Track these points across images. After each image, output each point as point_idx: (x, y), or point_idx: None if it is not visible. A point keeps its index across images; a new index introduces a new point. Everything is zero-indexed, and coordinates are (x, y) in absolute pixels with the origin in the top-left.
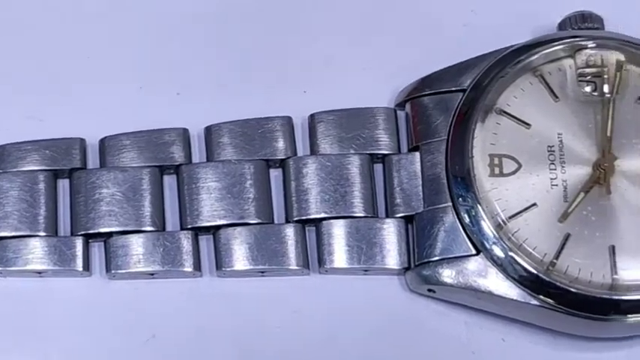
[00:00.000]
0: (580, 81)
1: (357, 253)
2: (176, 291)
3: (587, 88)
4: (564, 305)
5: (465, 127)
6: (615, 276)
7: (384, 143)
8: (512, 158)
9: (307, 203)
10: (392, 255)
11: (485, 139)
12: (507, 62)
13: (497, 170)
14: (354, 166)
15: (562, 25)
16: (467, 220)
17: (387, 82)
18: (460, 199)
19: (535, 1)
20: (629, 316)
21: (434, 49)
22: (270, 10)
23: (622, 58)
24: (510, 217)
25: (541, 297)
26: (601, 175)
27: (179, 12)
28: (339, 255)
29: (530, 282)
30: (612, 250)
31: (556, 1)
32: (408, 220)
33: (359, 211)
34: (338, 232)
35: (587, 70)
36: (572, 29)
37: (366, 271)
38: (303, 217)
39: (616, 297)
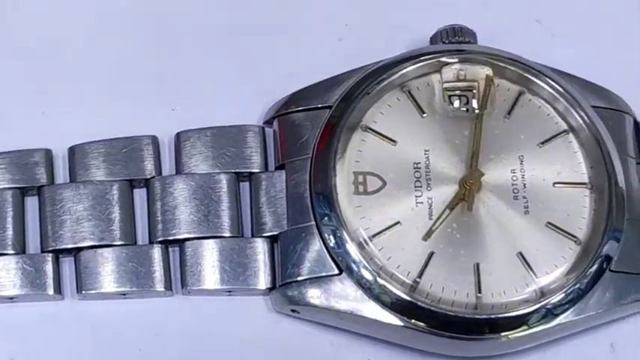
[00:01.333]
0: (449, 96)
1: (221, 274)
2: (36, 314)
3: (456, 104)
4: (428, 326)
5: (329, 144)
6: (479, 295)
7: (250, 161)
8: (377, 176)
9: (171, 223)
10: (256, 275)
11: (350, 156)
12: (375, 78)
13: (361, 188)
14: (220, 185)
15: (433, 40)
16: (330, 239)
17: (260, 99)
18: (323, 218)
19: (410, 14)
20: (503, 334)
21: (308, 65)
22: (137, 26)
23: (491, 72)
24: (374, 236)
25: (404, 318)
26: (466, 192)
27: (47, 31)
28: (203, 276)
29: (392, 303)
30: (477, 268)
31: (431, 15)
32: (273, 239)
33: (224, 230)
34: (202, 253)
35: (457, 84)
36: (443, 43)
37: (230, 291)
38: (168, 238)
39: (480, 316)
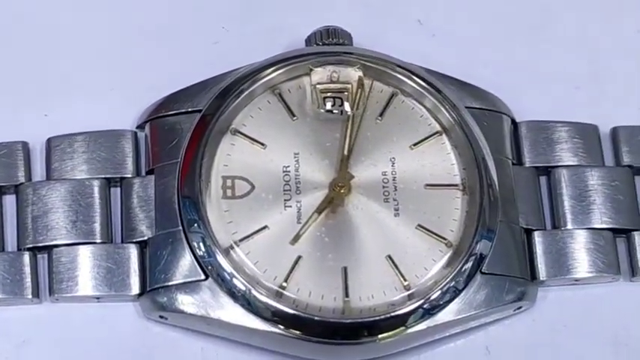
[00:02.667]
0: (323, 98)
1: (91, 280)
2: None
3: (328, 105)
4: (295, 331)
5: (197, 148)
6: (347, 299)
7: (121, 167)
8: (246, 180)
9: (41, 230)
10: (126, 281)
11: (219, 160)
12: (245, 81)
13: (229, 192)
14: (91, 190)
15: (308, 41)
16: (196, 244)
17: (134, 104)
18: (190, 223)
19: (289, 16)
20: (385, 334)
21: (183, 68)
22: (7, 31)
23: (364, 74)
24: (241, 240)
25: (271, 324)
26: (336, 195)
27: None
28: (72, 282)
29: (259, 308)
30: (345, 271)
31: (310, 16)
32: (144, 245)
33: (94, 236)
34: (71, 259)
35: (330, 86)
36: (317, 45)
37: (99, 298)
38: (37, 245)
39: (346, 321)
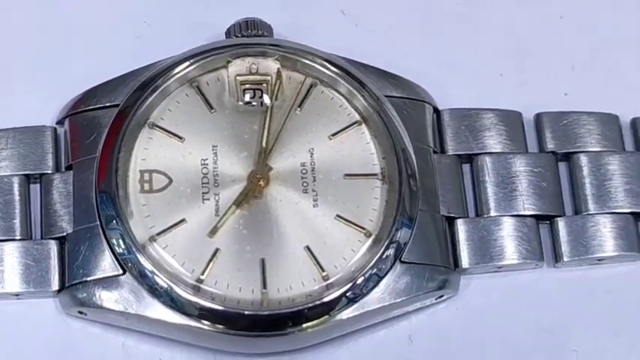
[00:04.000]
0: (242, 90)
1: (10, 277)
2: None
3: (247, 98)
4: (214, 324)
5: (114, 143)
6: (264, 290)
7: (40, 163)
8: (163, 173)
9: None
10: (46, 277)
11: (137, 155)
12: (163, 74)
13: (147, 186)
14: (10, 187)
15: (228, 34)
16: (113, 240)
17: (55, 99)
18: (107, 218)
19: (212, 10)
20: (305, 325)
21: (104, 63)
22: None
23: (283, 65)
24: (158, 234)
25: (190, 317)
26: (254, 187)
27: None
28: None
29: (176, 302)
30: (263, 263)
31: (233, 9)
32: (63, 241)
33: (13, 233)
34: None
35: (249, 78)
36: (237, 37)
37: (18, 295)
38: None
39: (264, 312)
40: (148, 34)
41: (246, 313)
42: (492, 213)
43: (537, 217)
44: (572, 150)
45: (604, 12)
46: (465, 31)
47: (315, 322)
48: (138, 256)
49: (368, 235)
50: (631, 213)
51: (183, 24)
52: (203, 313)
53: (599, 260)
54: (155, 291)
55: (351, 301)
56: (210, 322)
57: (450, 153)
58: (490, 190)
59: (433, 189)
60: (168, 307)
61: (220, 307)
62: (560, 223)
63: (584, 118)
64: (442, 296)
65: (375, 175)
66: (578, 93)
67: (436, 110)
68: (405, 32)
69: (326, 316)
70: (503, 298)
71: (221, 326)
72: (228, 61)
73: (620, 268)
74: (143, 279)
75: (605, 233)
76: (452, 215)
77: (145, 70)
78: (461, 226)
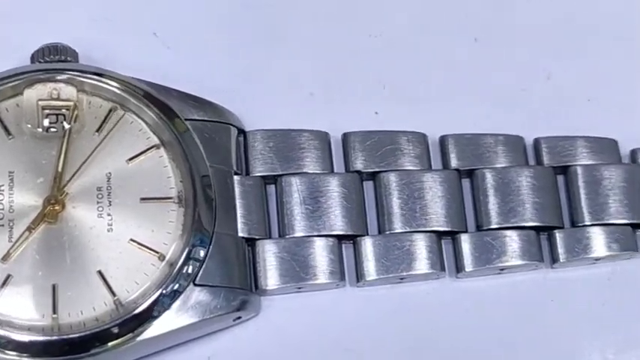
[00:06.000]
0: (44, 116)
1: None
2: None
3: (46, 123)
4: (10, 352)
5: None
6: (54, 315)
7: None
8: None
9: None
10: None
11: None
12: None
13: None
14: None
15: (32, 58)
16: None
17: None
18: None
19: (21, 31)
20: (94, 351)
21: None
22: None
23: (83, 90)
24: None
25: None
26: (48, 212)
27: None
28: None
29: None
30: (54, 288)
31: (44, 31)
32: None
33: None
34: None
35: (50, 103)
36: (40, 62)
37: None
38: None
39: (52, 337)
40: None
41: (38, 339)
42: (297, 233)
43: (341, 237)
44: (377, 169)
45: (412, 29)
46: (275, 51)
47: (105, 346)
48: None
49: (162, 258)
50: (433, 232)
51: None
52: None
53: (401, 279)
54: None
55: (142, 325)
56: (9, 350)
57: (254, 175)
58: (295, 210)
59: (232, 211)
60: None
61: (11, 334)
62: (364, 243)
63: (391, 136)
64: (240, 317)
65: (171, 198)
66: (388, 112)
67: (243, 132)
68: (215, 53)
69: (115, 341)
70: (306, 319)
71: (16, 353)
72: (28, 87)
73: (424, 286)
74: None
75: (415, 251)
76: (253, 237)
77: None
78: (262, 247)
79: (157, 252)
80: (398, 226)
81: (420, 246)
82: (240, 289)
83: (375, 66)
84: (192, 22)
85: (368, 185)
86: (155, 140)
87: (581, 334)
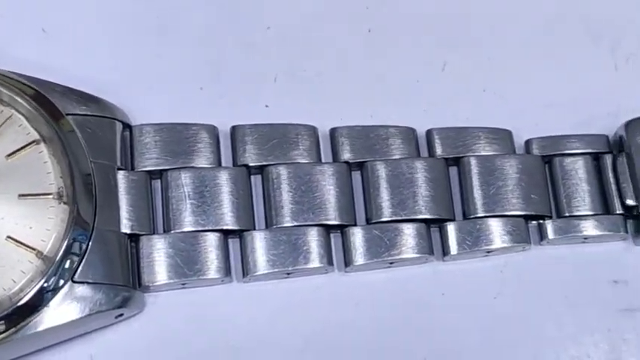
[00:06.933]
0: None
1: None
2: None
3: None
4: None
5: None
6: None
7: None
8: None
9: None
10: None
11: None
12: None
13: None
14: None
15: None
16: None
17: None
18: None
19: None
20: None
21: None
22: None
23: None
24: None
25: None
26: None
27: None
28: None
29: None
30: None
31: None
32: None
33: None
34: None
35: None
36: None
37: None
38: None
39: None
40: None
41: None
42: (182, 229)
43: (227, 232)
44: (265, 163)
45: (305, 21)
46: (165, 46)
47: None
48: None
49: (39, 255)
50: (322, 225)
51: None
52: None
53: (288, 274)
54: None
55: (20, 322)
56: None
57: (139, 170)
58: (181, 205)
59: (115, 207)
60: None
61: None
62: (249, 237)
63: (281, 129)
64: (122, 314)
65: (51, 194)
66: (279, 104)
67: (129, 126)
68: (104, 48)
69: None
70: (191, 315)
71: None
72: None
73: (312, 281)
74: None
75: (304, 246)
76: (136, 232)
77: None
78: (146, 243)
79: (34, 249)
80: (286, 220)
81: (309, 240)
82: (122, 285)
83: (267, 59)
84: (80, 16)
85: (257, 179)
86: (35, 135)
87: (472, 327)
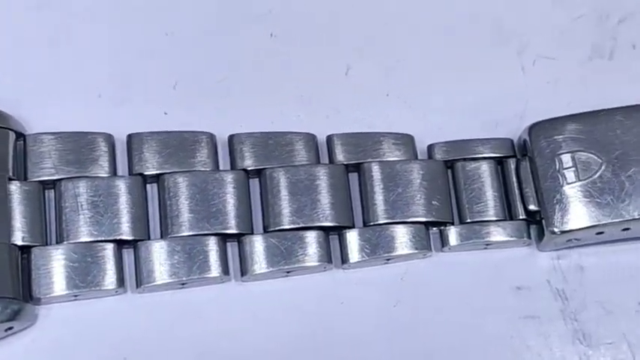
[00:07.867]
0: None
1: None
2: None
3: None
4: None
5: None
6: None
7: None
8: None
9: None
10: None
11: None
12: None
13: None
14: None
15: None
16: None
17: None
18: None
19: None
20: None
21: None
22: None
23: None
24: None
25: None
26: None
27: None
28: None
29: None
30: None
31: None
32: None
33: None
34: None
35: None
36: None
37: None
38: None
39: None
40: None
41: None
42: (75, 239)
43: (122, 242)
44: (161, 171)
45: (205, 27)
46: (62, 53)
47: None
48: None
49: None
50: (218, 234)
51: None
52: None
53: (182, 284)
54: None
55: None
56: None
57: (32, 180)
58: (73, 215)
59: (5, 218)
60: None
61: None
62: (143, 247)
63: (178, 137)
64: (11, 328)
65: None
66: (179, 112)
67: (23, 135)
68: (8, 57)
69: None
70: (85, 328)
71: None
72: None
73: (208, 291)
74: None
75: (199, 255)
76: (28, 244)
77: None
78: (38, 254)
79: None
80: (182, 230)
81: (205, 250)
82: (11, 298)
83: (166, 65)
84: None
85: (154, 187)
86: None
87: (372, 337)
